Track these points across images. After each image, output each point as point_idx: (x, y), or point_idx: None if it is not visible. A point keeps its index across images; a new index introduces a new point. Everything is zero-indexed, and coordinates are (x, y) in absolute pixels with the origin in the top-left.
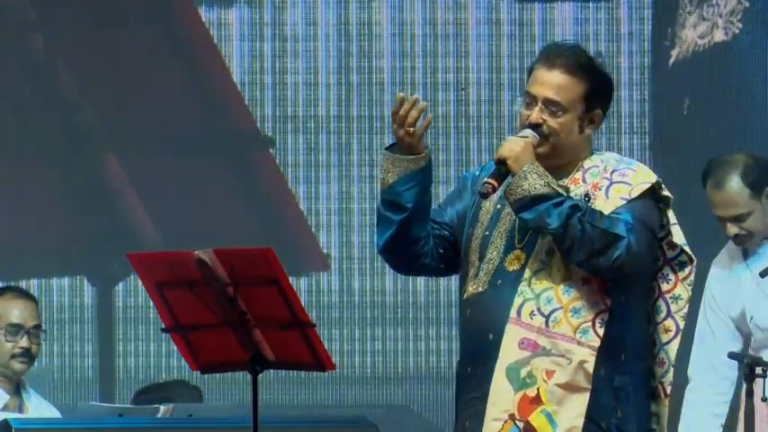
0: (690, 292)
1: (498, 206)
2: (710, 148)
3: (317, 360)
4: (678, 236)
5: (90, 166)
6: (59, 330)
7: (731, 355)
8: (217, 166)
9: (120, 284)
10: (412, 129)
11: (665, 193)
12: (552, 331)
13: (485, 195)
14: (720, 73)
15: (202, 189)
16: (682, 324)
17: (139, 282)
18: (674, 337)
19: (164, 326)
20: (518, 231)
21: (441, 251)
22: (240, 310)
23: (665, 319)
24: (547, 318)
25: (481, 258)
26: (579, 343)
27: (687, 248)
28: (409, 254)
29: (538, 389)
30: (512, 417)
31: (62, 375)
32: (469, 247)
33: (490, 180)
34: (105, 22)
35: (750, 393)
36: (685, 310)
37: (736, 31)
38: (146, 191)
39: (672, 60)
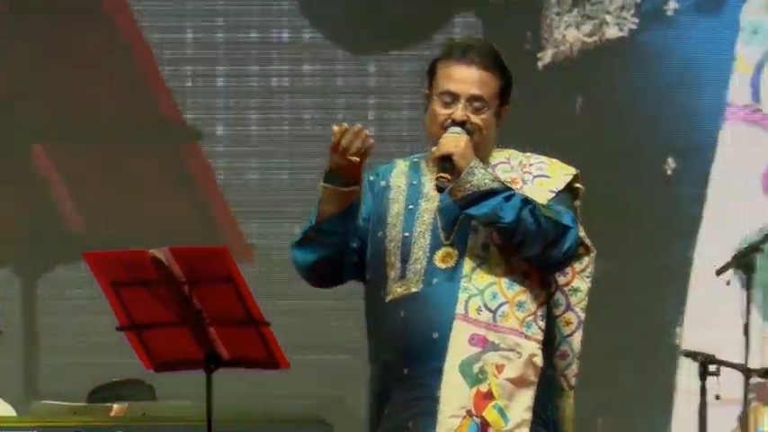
0: (589, 284)
1: (410, 206)
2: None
3: (272, 358)
4: (580, 228)
5: (17, 155)
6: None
7: (686, 353)
8: (144, 157)
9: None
10: (356, 158)
11: (579, 185)
12: (500, 326)
13: (442, 190)
14: (616, 68)
15: (129, 179)
16: (583, 316)
17: (90, 276)
18: (576, 329)
19: (118, 324)
20: (442, 229)
21: (356, 260)
22: (195, 309)
23: (565, 311)
24: (494, 313)
25: (404, 260)
26: (527, 337)
27: (587, 240)
28: (336, 272)
29: (489, 384)
30: (469, 413)
31: (14, 373)
32: (383, 249)
33: (444, 174)
34: (33, 12)
35: (703, 391)
36: (585, 302)
37: (633, 27)
38: (73, 181)
39: (547, 62)
